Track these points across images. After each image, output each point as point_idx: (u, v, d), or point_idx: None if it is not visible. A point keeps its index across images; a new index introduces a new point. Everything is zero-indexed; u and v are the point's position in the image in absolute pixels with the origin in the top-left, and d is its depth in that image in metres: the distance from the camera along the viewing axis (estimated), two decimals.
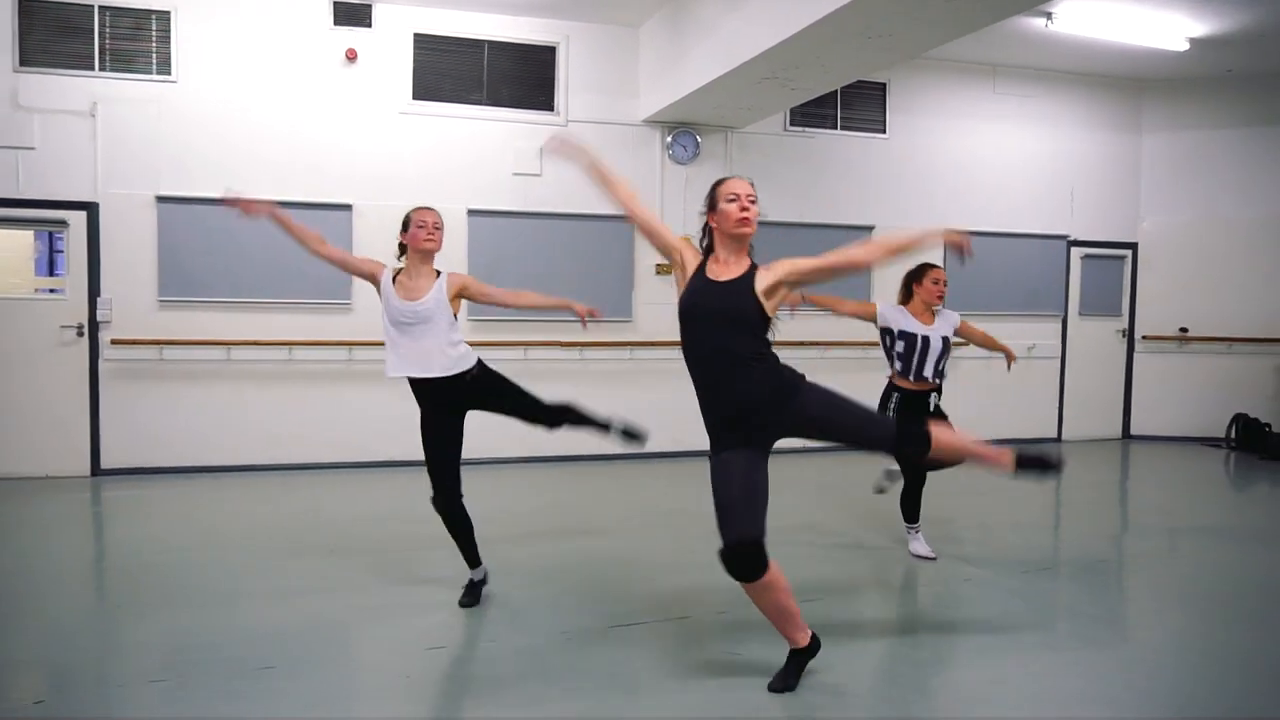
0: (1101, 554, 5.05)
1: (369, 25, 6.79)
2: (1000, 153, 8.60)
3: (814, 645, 3.01)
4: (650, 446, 4.71)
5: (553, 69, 7.24)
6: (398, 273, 3.83)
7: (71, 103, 6.33)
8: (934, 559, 4.55)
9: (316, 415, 6.86)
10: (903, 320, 4.44)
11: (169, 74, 6.49)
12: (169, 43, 6.48)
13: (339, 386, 6.89)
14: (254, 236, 6.59)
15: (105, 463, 6.53)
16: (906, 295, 4.58)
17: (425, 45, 6.95)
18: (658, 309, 7.50)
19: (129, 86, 6.43)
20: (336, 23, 6.74)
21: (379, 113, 6.91)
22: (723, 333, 2.86)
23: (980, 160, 8.53)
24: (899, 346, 4.43)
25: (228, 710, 2.80)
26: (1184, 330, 8.94)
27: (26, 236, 7.03)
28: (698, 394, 2.98)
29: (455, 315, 3.80)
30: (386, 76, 6.91)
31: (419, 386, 3.73)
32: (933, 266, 4.51)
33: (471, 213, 7.08)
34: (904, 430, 3.08)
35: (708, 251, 3.03)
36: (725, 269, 2.93)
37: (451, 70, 7.03)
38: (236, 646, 3.32)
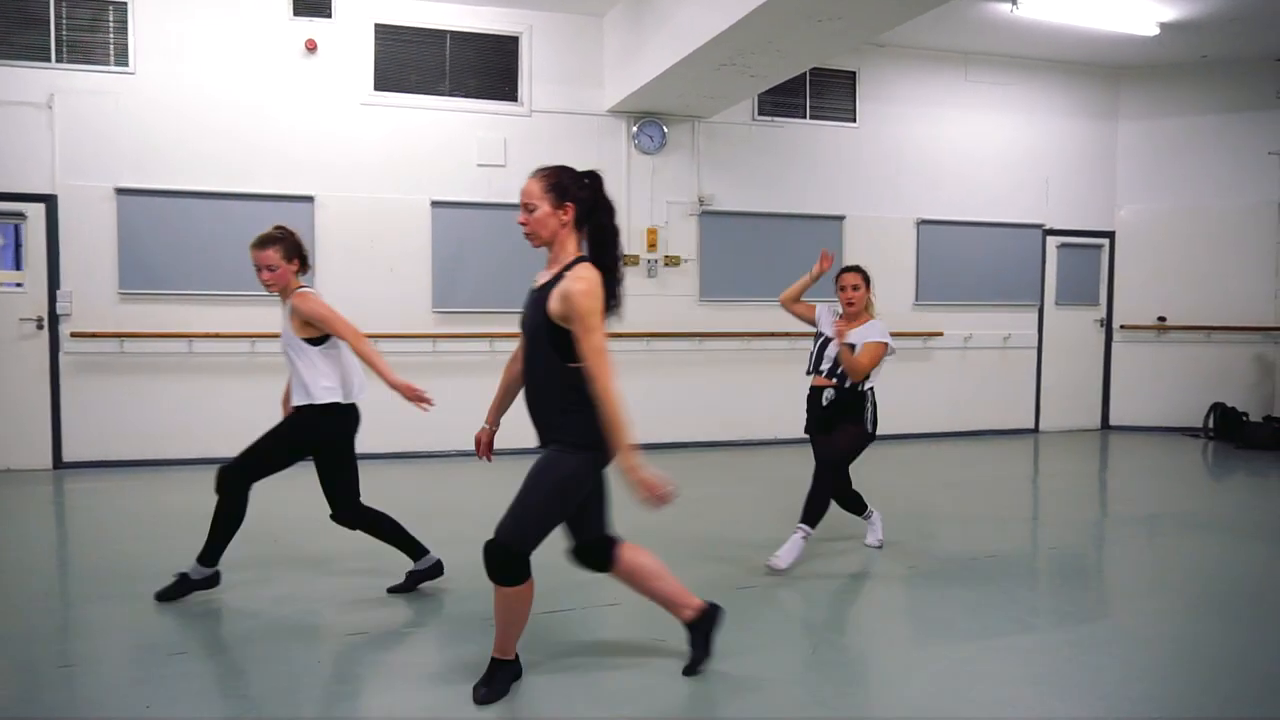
0: (1077, 544, 4.99)
1: (329, 16, 6.76)
2: (974, 142, 8.53)
3: (711, 612, 2.95)
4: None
5: (516, 59, 7.21)
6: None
7: (28, 94, 6.32)
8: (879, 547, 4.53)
9: (278, 408, 6.83)
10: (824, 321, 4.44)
11: (127, 65, 6.47)
12: (126, 33, 6.46)
13: None
14: (214, 229, 6.60)
15: (67, 456, 6.52)
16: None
17: (386, 35, 6.92)
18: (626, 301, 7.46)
19: (86, 78, 6.41)
20: (296, 13, 6.71)
21: (340, 104, 6.89)
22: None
23: (954, 149, 8.46)
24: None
25: (131, 694, 2.78)
26: (1162, 319, 8.87)
27: None
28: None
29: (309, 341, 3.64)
30: (347, 67, 6.88)
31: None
32: (845, 271, 4.44)
33: (435, 204, 7.06)
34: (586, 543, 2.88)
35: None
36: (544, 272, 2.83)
37: (413, 60, 7.00)
38: (160, 634, 3.30)
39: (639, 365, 7.51)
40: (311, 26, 6.75)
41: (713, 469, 6.93)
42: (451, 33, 7.04)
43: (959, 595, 3.83)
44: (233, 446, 7.16)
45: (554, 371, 2.68)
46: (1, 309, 6.41)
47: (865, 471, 4.58)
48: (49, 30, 6.32)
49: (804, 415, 4.42)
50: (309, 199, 6.82)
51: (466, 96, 7.12)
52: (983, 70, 8.47)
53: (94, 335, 6.45)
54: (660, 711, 2.75)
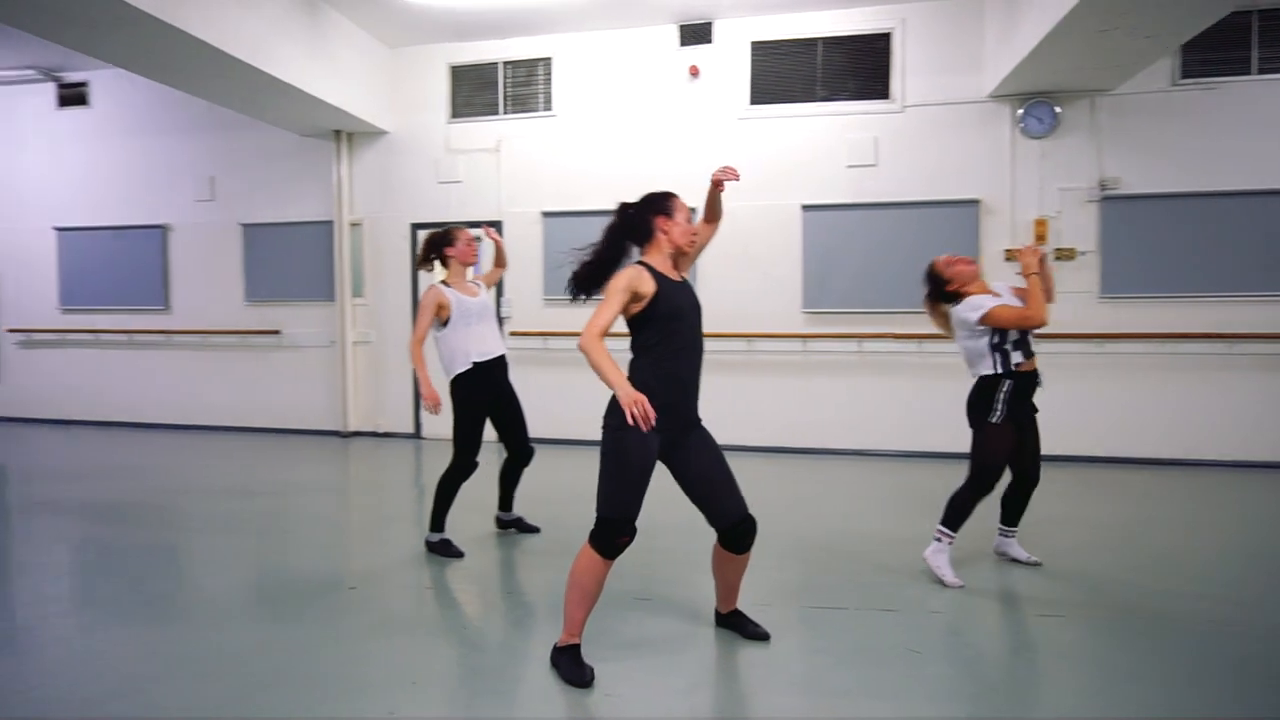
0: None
1: (710, 41, 7.37)
2: None
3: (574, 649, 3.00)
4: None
5: (887, 56, 7.10)
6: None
7: (484, 142, 7.93)
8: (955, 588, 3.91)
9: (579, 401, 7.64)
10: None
11: (550, 109, 7.77)
12: (551, 83, 7.76)
13: None
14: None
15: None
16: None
17: (762, 52, 7.32)
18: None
19: (523, 123, 7.84)
20: (683, 43, 7.43)
21: (719, 121, 7.45)
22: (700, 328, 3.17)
23: None
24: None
25: None
26: None
27: None
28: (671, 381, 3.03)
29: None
30: (726, 86, 7.42)
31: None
32: None
33: (806, 208, 7.27)
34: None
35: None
36: (673, 271, 3.20)
37: (786, 71, 7.29)
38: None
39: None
40: (695, 54, 7.42)
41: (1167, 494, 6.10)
42: (823, 39, 7.20)
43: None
44: (554, 429, 7.97)
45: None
46: None
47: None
48: (497, 89, 7.87)
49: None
50: (692, 211, 7.47)
51: (836, 100, 7.22)
52: None
53: (526, 334, 7.86)
54: None
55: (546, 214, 7.78)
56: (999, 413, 3.92)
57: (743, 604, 3.39)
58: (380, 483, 6.69)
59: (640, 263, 3.11)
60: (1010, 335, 3.93)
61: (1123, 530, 4.90)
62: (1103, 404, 6.87)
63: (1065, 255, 6.84)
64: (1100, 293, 6.82)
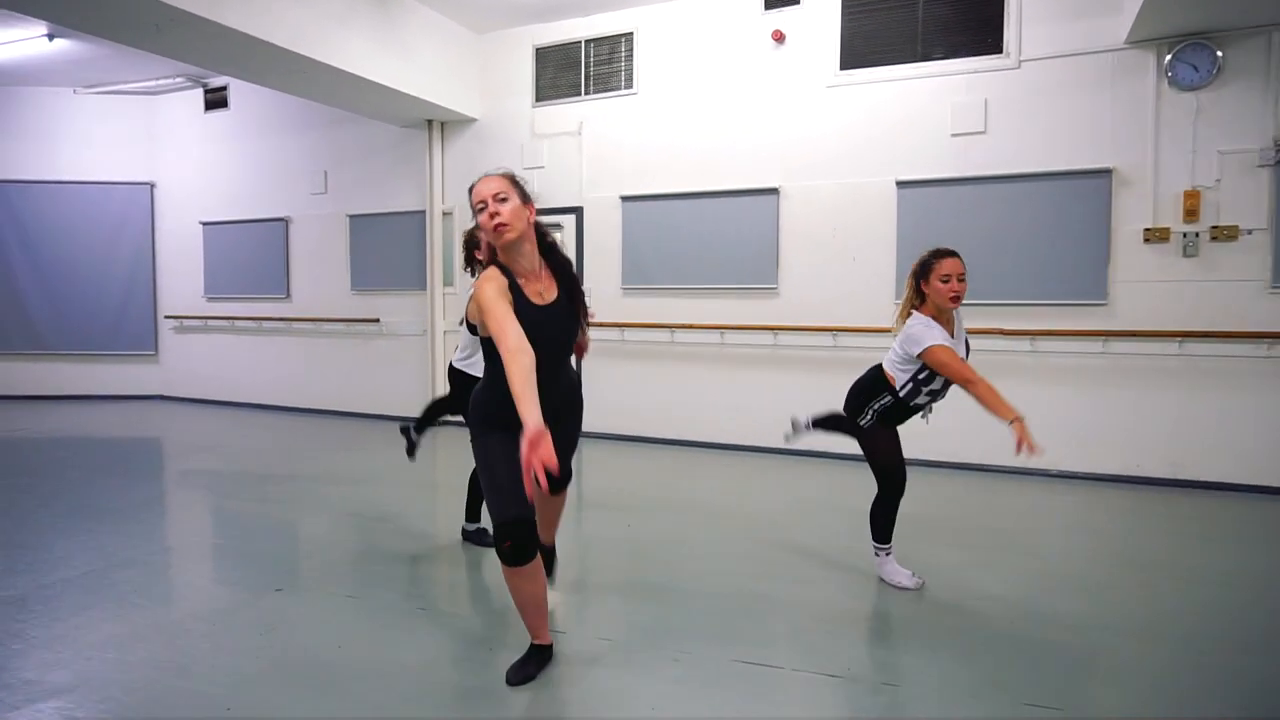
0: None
1: (797, 2, 6.63)
2: None
3: (550, 650, 2.95)
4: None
5: (1000, 2, 6.04)
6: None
7: (566, 125, 7.65)
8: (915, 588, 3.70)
9: (744, 396, 7.02)
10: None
11: (632, 87, 7.34)
12: (632, 60, 7.33)
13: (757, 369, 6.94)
14: (691, 226, 7.08)
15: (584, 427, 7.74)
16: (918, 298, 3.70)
17: (854, 10, 6.47)
18: (1145, 289, 5.73)
19: (604, 104, 7.47)
20: (767, 7, 6.74)
21: (805, 90, 6.70)
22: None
23: None
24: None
25: None
26: None
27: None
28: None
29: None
30: (813, 51, 6.65)
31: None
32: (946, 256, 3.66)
33: (901, 184, 6.37)
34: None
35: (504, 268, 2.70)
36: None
37: (881, 31, 6.41)
38: None
39: (1167, 374, 5.72)
40: (780, 18, 6.71)
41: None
42: None
43: None
44: (702, 431, 7.58)
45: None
46: None
47: None
48: (580, 69, 7.55)
49: None
50: (773, 191, 6.81)
51: (938, 59, 6.25)
52: None
53: (603, 325, 7.52)
54: None
55: (625, 198, 7.38)
56: (868, 418, 3.73)
57: None
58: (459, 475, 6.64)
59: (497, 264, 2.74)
60: (938, 379, 3.57)
61: None
62: (1273, 420, 5.49)
63: (1225, 235, 5.52)
64: (1272, 282, 5.44)
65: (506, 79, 7.92)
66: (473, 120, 8.07)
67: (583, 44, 7.52)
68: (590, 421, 7.73)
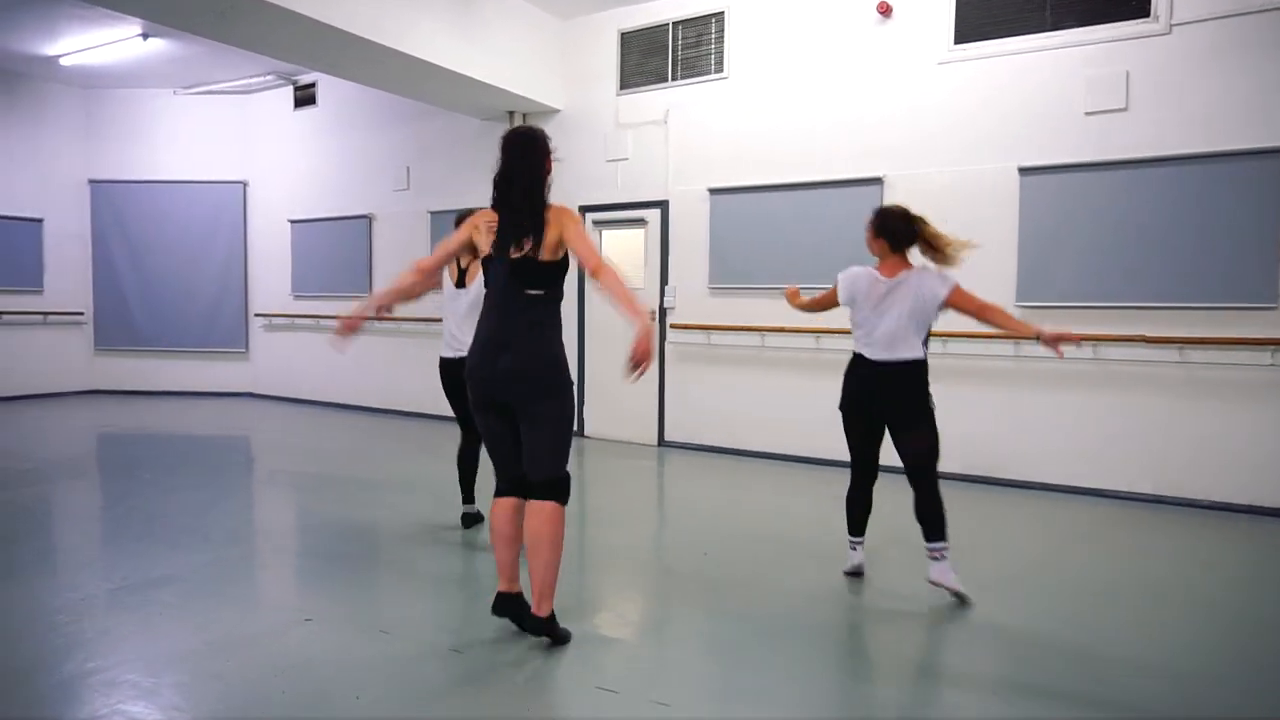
0: None
1: None
2: None
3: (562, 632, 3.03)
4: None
5: None
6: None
7: (651, 114, 7.17)
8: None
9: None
10: None
11: (723, 71, 6.81)
12: (723, 42, 6.79)
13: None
14: (789, 221, 6.49)
15: (668, 435, 7.26)
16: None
17: None
18: None
19: (692, 90, 6.97)
20: None
21: (913, 69, 6.03)
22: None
23: None
24: None
25: None
26: None
27: (636, 236, 8.20)
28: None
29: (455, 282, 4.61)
30: (923, 24, 5.98)
31: None
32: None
33: (1024, 171, 5.64)
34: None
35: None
36: None
37: None
38: None
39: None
40: None
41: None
42: None
43: None
44: (794, 444, 6.98)
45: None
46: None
47: None
48: (667, 54, 7.07)
49: None
50: (878, 181, 6.17)
51: (1070, 26, 5.48)
52: None
53: (688, 327, 7.01)
54: None
55: (714, 190, 6.84)
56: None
57: None
58: None
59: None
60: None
61: None
62: None
63: None
64: None
65: (590, 66, 7.51)
66: (555, 111, 7.69)
67: (670, 26, 7.03)
68: (672, 430, 7.38)
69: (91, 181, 10.07)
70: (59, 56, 8.73)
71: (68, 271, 9.98)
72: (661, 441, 7.29)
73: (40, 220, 9.74)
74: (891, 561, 4.07)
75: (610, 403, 7.54)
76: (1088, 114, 5.46)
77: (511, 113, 7.78)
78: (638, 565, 4.13)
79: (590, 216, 7.59)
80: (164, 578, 3.69)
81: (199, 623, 3.18)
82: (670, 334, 7.14)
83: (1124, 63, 5.34)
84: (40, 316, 9.77)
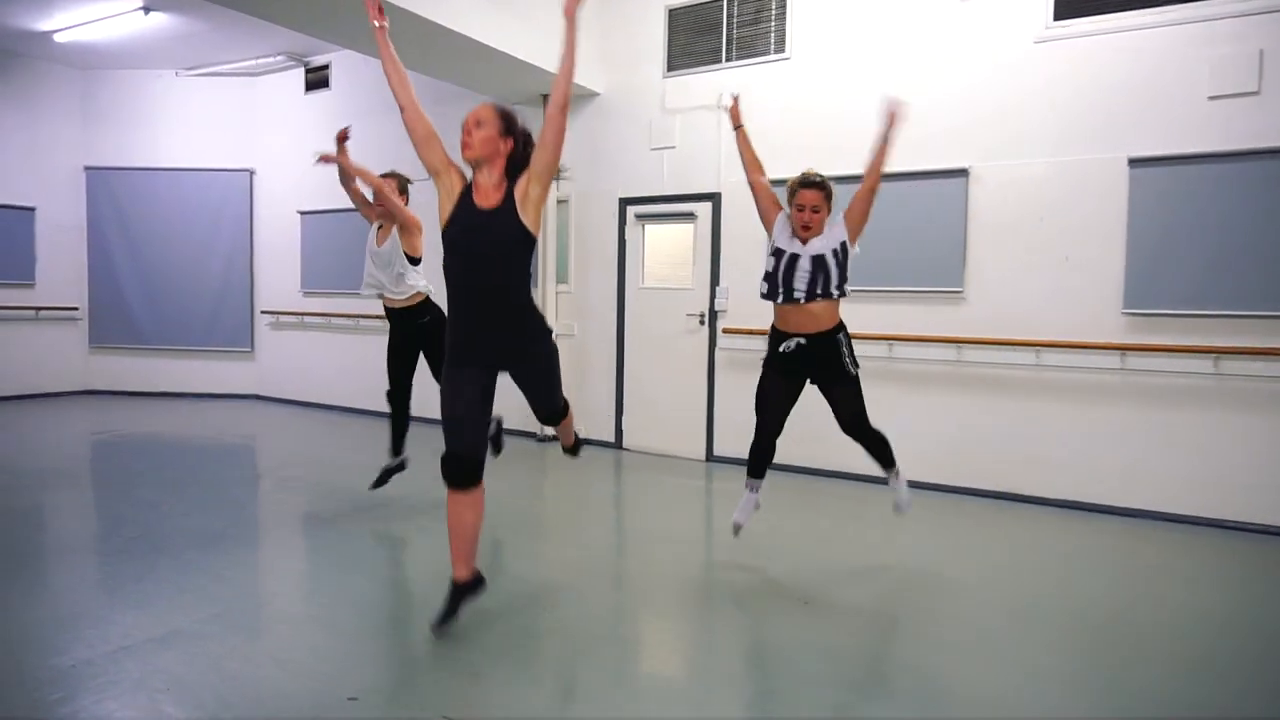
0: None
1: None
2: None
3: (478, 583, 3.15)
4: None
5: None
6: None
7: (702, 98, 6.56)
8: None
9: (920, 423, 5.78)
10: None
11: (784, 51, 6.20)
12: (785, 19, 6.18)
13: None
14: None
15: (717, 450, 6.65)
16: None
17: None
18: None
19: (749, 71, 6.35)
20: None
21: (1004, 50, 5.42)
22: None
23: None
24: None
25: None
26: None
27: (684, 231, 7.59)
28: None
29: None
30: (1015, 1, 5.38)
31: None
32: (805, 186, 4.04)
33: (1135, 162, 5.03)
34: None
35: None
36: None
37: None
38: None
39: None
40: None
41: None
42: None
43: None
44: (861, 463, 6.33)
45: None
46: (673, 305, 6.85)
47: None
48: (721, 31, 6.45)
49: None
50: (962, 173, 5.56)
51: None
52: None
53: (740, 332, 6.41)
54: None
55: (773, 183, 6.21)
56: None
57: None
58: (579, 503, 5.67)
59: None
60: None
61: None
62: None
63: None
64: None
65: (634, 46, 6.88)
66: (595, 94, 7.07)
67: (724, 2, 6.42)
68: (721, 444, 6.77)
69: (88, 168, 9.43)
70: (53, 32, 8.09)
71: (61, 264, 9.35)
72: (710, 456, 6.68)
73: (32, 209, 9.10)
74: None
75: (652, 413, 6.94)
76: (1211, 98, 4.85)
77: (545, 96, 7.16)
78: (724, 618, 3.52)
79: (632, 210, 6.98)
80: (170, 634, 3.08)
81: (209, 698, 2.57)
82: (721, 339, 6.54)
83: (1257, 40, 4.73)
84: (32, 311, 9.14)
